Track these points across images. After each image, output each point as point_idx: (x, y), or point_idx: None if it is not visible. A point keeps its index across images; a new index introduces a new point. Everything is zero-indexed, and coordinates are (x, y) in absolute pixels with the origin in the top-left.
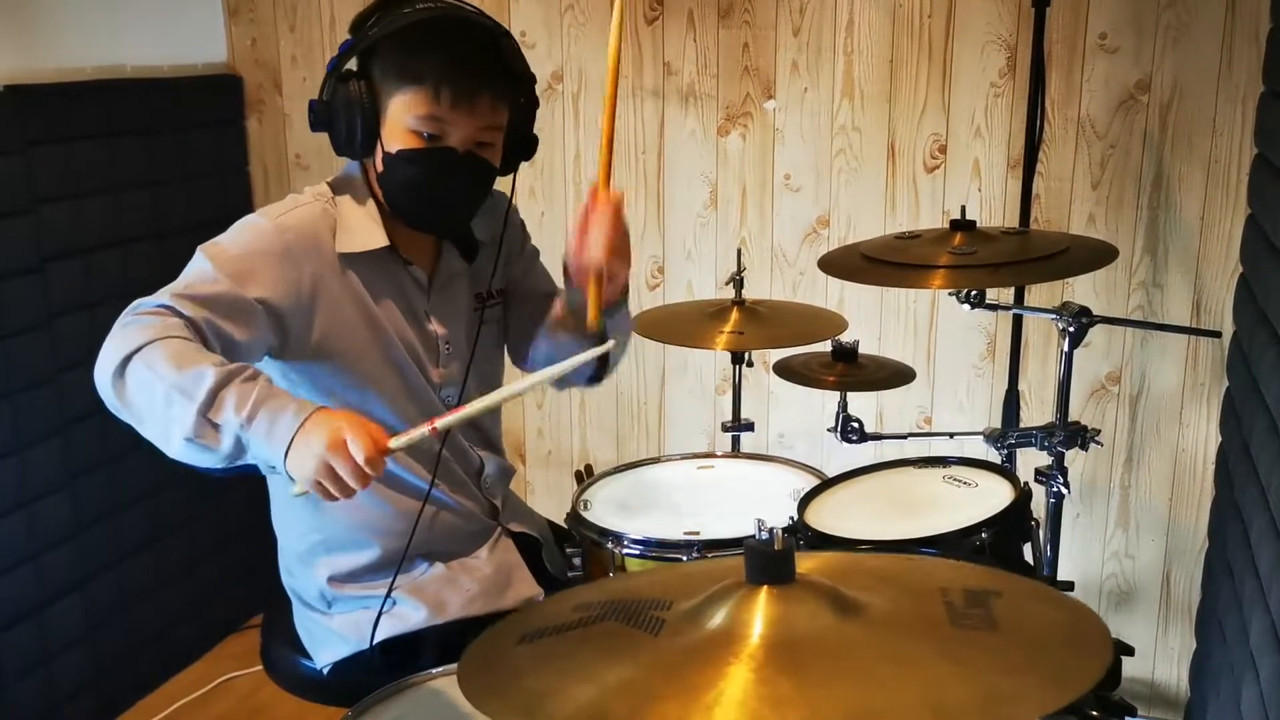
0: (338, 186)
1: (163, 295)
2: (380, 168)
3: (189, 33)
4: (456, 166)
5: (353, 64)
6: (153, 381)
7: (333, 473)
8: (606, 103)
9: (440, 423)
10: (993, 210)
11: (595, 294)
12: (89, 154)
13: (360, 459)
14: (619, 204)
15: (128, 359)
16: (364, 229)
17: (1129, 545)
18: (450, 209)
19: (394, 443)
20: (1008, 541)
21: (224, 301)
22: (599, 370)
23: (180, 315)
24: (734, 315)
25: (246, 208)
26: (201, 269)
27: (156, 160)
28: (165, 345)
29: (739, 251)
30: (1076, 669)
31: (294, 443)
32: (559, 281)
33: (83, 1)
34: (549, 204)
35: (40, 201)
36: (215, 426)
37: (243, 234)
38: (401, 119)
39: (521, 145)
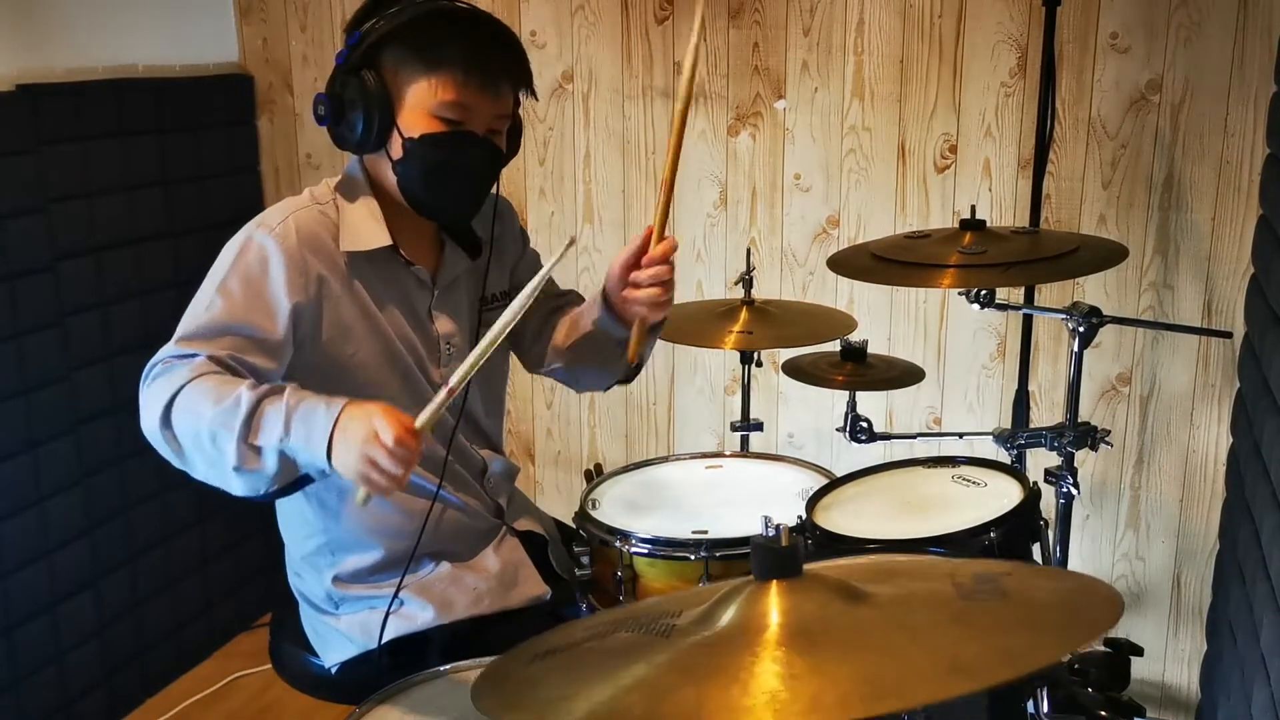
0: (340, 188)
1: (180, 344)
2: (398, 154)
3: (200, 32)
4: (478, 149)
5: (355, 59)
6: (197, 425)
7: (375, 464)
8: (671, 147)
9: (453, 381)
10: (1003, 210)
11: (639, 334)
12: (101, 153)
13: (390, 441)
14: (671, 254)
15: (168, 410)
16: (367, 228)
17: (1139, 546)
18: (470, 194)
19: (419, 421)
20: (1017, 541)
21: (242, 336)
22: (628, 375)
23: (204, 356)
24: (743, 315)
25: (258, 207)
26: (213, 306)
27: (168, 159)
28: (198, 385)
29: (748, 251)
30: (1087, 620)
31: (333, 444)
32: (585, 292)
33: (94, 1)
34: (559, 204)
35: (52, 200)
36: (257, 450)
37: (246, 254)
38: (425, 104)
39: (513, 140)
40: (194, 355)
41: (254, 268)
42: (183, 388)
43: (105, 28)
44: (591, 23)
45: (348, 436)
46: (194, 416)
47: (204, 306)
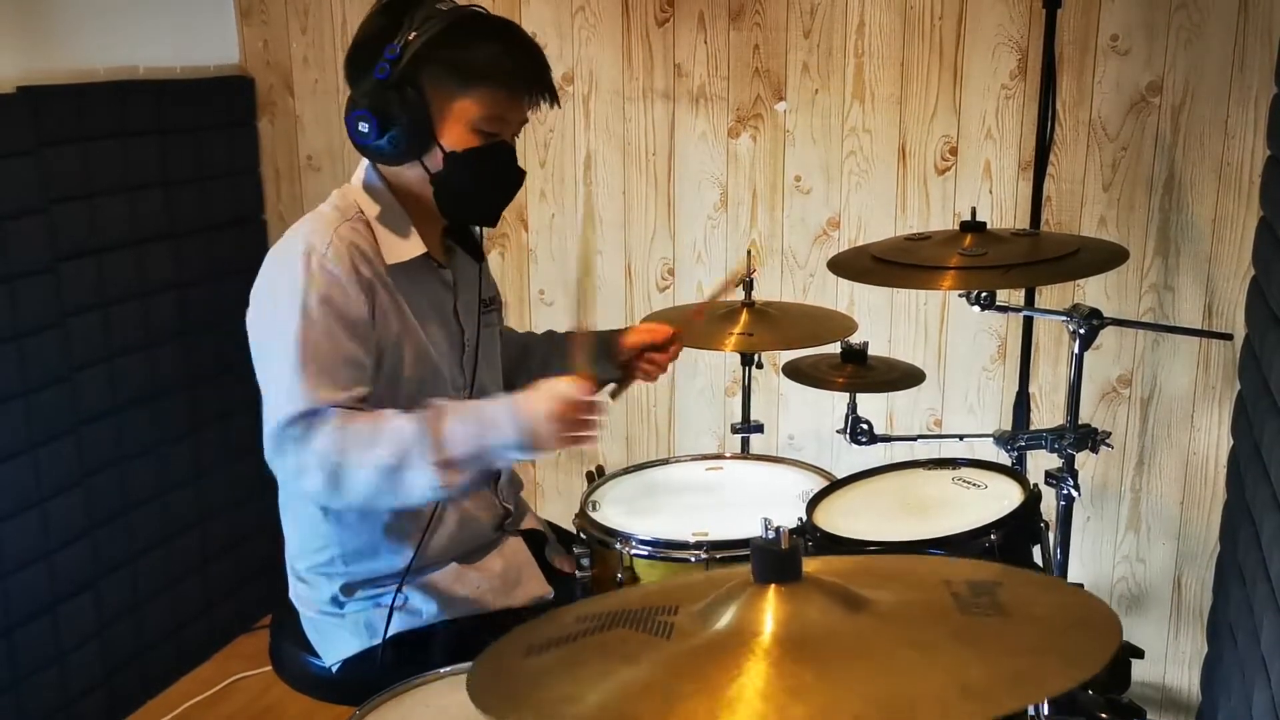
0: (364, 200)
1: (304, 399)
2: (438, 167)
3: (201, 34)
4: (511, 158)
5: (396, 75)
6: (369, 474)
7: (566, 425)
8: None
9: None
10: (1004, 212)
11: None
12: (101, 155)
13: (566, 399)
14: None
15: (335, 474)
16: (405, 239)
17: (1140, 549)
18: (505, 201)
19: (581, 368)
20: (1017, 543)
21: (351, 365)
22: None
23: (329, 407)
24: (744, 317)
25: (258, 209)
26: (318, 352)
27: (169, 161)
28: (349, 437)
29: (749, 253)
30: (1090, 646)
31: (523, 436)
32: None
33: (95, 3)
34: (559, 206)
35: (53, 202)
36: (453, 464)
37: (313, 288)
38: (466, 118)
39: None
40: (315, 410)
41: (328, 295)
42: (340, 446)
43: (106, 30)
44: (592, 24)
45: (534, 425)
46: (362, 469)
47: (309, 353)
